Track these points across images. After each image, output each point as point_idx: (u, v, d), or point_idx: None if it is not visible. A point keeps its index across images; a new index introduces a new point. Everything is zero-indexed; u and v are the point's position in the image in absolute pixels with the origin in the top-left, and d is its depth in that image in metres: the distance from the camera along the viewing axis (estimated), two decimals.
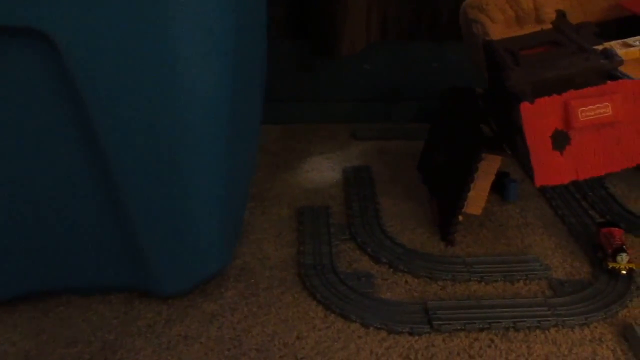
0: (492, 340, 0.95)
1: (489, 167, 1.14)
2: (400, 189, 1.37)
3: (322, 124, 1.70)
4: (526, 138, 0.89)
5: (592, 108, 0.87)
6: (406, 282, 1.08)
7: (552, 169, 0.90)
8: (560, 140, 0.90)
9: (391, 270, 1.11)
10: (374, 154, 1.55)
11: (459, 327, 0.96)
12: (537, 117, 0.88)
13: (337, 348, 0.94)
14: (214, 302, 1.03)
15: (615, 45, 1.02)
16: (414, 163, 1.41)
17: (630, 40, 1.03)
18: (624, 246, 1.07)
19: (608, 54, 0.97)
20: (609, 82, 0.90)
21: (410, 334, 0.96)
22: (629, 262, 1.06)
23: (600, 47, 1.00)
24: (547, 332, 0.96)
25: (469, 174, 1.14)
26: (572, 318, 0.97)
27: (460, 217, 1.17)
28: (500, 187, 1.32)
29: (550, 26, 1.13)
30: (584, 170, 0.91)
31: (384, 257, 1.13)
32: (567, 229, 1.22)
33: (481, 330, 0.96)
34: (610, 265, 1.06)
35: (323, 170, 1.48)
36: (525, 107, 0.89)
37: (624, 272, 1.06)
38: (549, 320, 0.97)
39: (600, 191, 1.34)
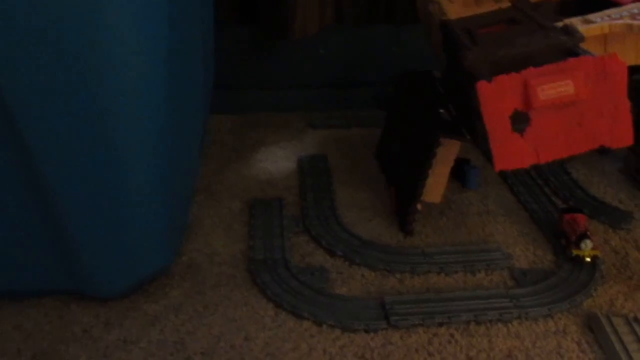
0: (452, 336, 0.89)
1: (447, 153, 1.09)
2: (358, 178, 1.32)
3: (276, 113, 1.63)
4: (484, 119, 0.83)
5: (553, 86, 0.82)
6: (362, 275, 1.02)
7: (512, 152, 0.85)
8: (519, 121, 0.84)
9: (346, 263, 1.05)
10: (331, 142, 1.50)
11: (417, 323, 0.90)
12: (495, 97, 0.83)
13: (287, 349, 0.88)
14: (156, 302, 0.96)
15: (575, 22, 0.97)
16: (372, 151, 1.35)
17: (591, 16, 0.98)
18: (588, 232, 1.02)
19: (568, 31, 0.92)
20: (570, 59, 0.84)
21: (366, 331, 0.90)
22: (593, 249, 1.02)
23: (560, 24, 0.95)
24: (509, 325, 0.91)
25: (427, 160, 1.08)
26: (535, 309, 0.93)
27: (419, 206, 1.12)
28: (460, 174, 1.27)
29: (508, 4, 1.08)
30: (545, 153, 0.86)
31: (339, 249, 1.07)
32: (529, 216, 1.18)
33: (440, 325, 0.91)
34: (574, 252, 1.02)
35: (277, 161, 1.41)
36: (482, 87, 0.83)
37: (588, 259, 1.02)
38: (511, 313, 0.92)
39: (563, 176, 1.30)
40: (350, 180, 1.31)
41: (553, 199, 1.22)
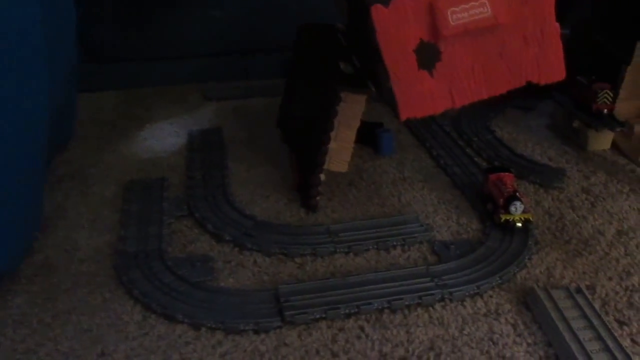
0: (362, 329, 0.72)
1: (351, 111, 0.92)
2: (256, 152, 1.14)
3: (167, 86, 1.46)
4: (382, 55, 0.66)
5: (466, 8, 0.66)
6: (255, 262, 0.84)
7: (420, 95, 0.68)
8: (427, 55, 0.67)
9: (236, 249, 0.87)
10: (228, 114, 1.33)
11: (318, 316, 0.74)
12: (395, 24, 0.66)
13: None
14: None
15: None
16: (273, 122, 1.18)
17: None
18: (517, 193, 0.87)
19: None
20: None
21: (256, 332, 0.73)
22: (524, 212, 0.87)
23: None
24: (431, 309, 0.75)
25: (328, 121, 0.91)
26: (461, 288, 0.78)
27: (322, 176, 0.95)
28: (372, 139, 1.12)
29: None
30: (462, 95, 0.69)
31: (228, 233, 0.89)
32: (450, 181, 1.03)
33: (348, 316, 0.74)
34: (503, 217, 0.87)
35: (165, 137, 1.23)
36: (378, 12, 0.66)
37: (519, 224, 0.87)
38: (433, 294, 0.76)
39: (486, 135, 1.16)
40: (248, 155, 1.14)
41: (476, 160, 1.07)
